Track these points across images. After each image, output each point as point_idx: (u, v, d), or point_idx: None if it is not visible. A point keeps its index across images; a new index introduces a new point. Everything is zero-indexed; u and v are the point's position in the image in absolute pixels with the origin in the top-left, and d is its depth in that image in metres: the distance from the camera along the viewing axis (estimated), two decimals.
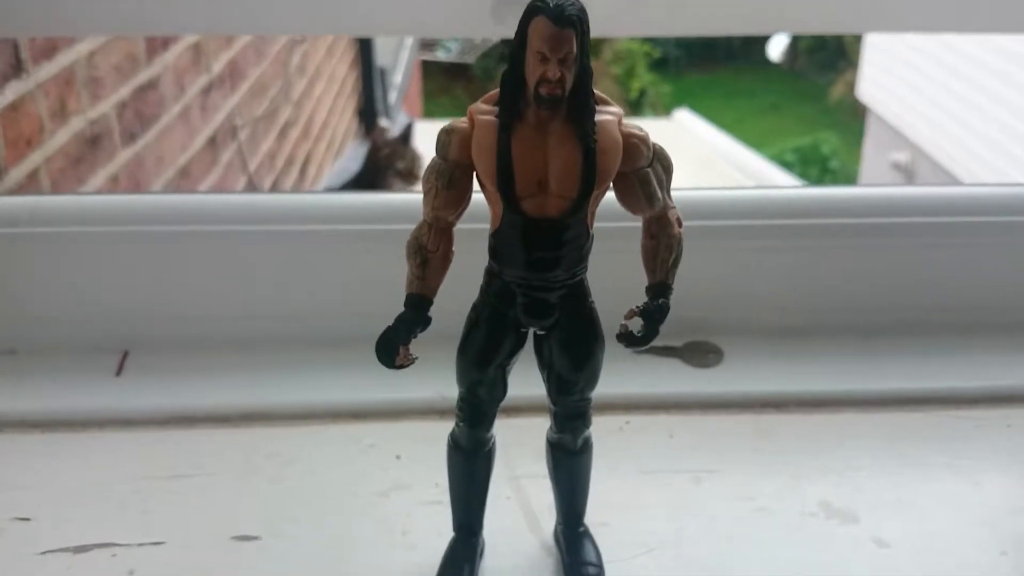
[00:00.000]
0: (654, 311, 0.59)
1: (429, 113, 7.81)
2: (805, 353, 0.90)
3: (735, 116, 8.09)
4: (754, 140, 7.13)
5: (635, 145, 0.57)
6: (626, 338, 0.60)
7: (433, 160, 0.58)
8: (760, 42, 8.85)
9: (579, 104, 0.55)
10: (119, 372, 0.85)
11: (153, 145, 1.97)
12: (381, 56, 4.85)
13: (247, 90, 2.72)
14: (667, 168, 0.59)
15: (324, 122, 3.89)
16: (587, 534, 0.68)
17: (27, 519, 0.72)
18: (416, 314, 0.59)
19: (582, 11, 0.53)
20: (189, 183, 2.22)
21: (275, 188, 3.07)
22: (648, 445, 0.80)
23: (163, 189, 2.01)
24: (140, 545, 0.69)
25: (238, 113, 2.63)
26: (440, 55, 7.40)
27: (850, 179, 7.32)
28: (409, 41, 5.63)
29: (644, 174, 0.58)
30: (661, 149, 0.58)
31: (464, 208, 0.59)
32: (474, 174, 0.57)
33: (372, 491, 0.75)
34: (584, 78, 0.54)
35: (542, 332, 0.61)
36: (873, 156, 6.50)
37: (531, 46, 0.53)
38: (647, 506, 0.73)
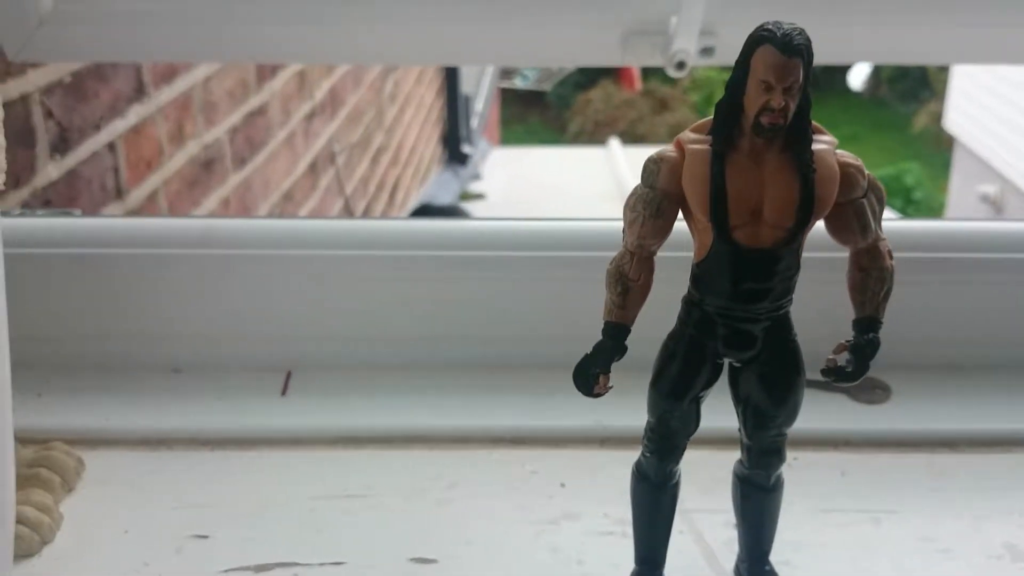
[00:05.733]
0: (864, 346, 0.58)
1: (505, 140, 7.88)
2: (976, 390, 0.87)
3: None
4: None
5: (852, 175, 0.56)
6: (834, 372, 0.59)
7: (639, 189, 0.58)
8: (841, 71, 8.74)
9: (797, 133, 0.54)
10: (284, 392, 0.87)
11: (261, 169, 2.02)
12: (465, 84, 4.91)
13: (345, 117, 2.78)
14: (880, 199, 0.58)
15: (412, 148, 3.95)
16: (773, 573, 0.66)
17: (205, 536, 0.73)
18: (615, 343, 0.58)
19: (808, 40, 0.52)
20: (292, 207, 2.27)
21: (367, 213, 3.13)
22: (821, 483, 0.78)
23: (268, 213, 2.06)
24: (321, 565, 0.69)
25: (336, 139, 2.68)
26: (518, 83, 7.48)
27: (935, 211, 7.16)
28: (491, 69, 5.70)
29: (859, 205, 0.57)
30: (875, 179, 0.58)
31: (667, 237, 0.58)
32: (680, 204, 0.57)
33: (542, 519, 0.74)
34: (805, 107, 0.54)
35: (739, 364, 0.60)
36: (961, 188, 6.35)
37: (755, 74, 0.53)
38: (828, 546, 0.71)
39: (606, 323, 0.59)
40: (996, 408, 0.86)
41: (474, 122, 5.11)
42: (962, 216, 6.11)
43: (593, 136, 8.24)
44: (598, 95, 9.00)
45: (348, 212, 2.83)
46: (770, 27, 0.52)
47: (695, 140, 0.56)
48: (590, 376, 0.59)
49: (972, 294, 0.88)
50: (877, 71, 8.84)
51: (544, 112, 9.19)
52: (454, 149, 4.74)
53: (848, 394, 0.86)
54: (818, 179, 0.55)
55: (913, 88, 8.63)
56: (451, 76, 4.59)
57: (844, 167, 0.56)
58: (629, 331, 0.59)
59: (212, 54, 1.42)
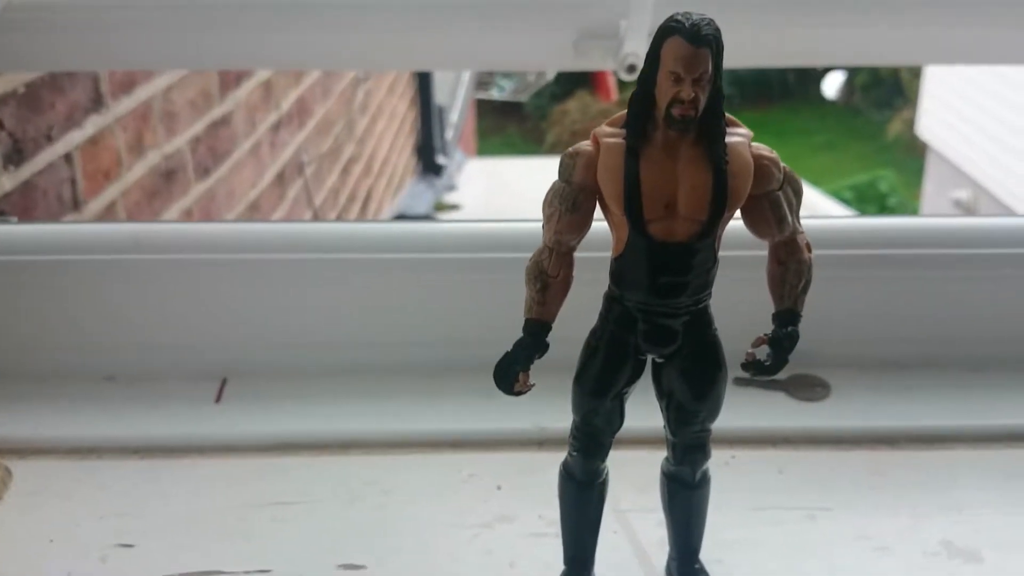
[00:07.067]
0: (783, 339, 0.58)
1: (482, 151, 7.89)
2: (915, 387, 0.87)
3: (790, 154, 8.02)
4: (810, 178, 7.07)
5: (766, 167, 0.56)
6: (753, 366, 0.58)
7: (556, 184, 0.57)
8: (815, 79, 8.80)
9: (710, 125, 0.54)
10: (218, 399, 0.85)
11: (225, 180, 2.00)
12: (439, 95, 4.90)
13: (313, 127, 2.77)
14: (797, 192, 0.57)
15: (384, 159, 3.94)
16: (703, 571, 0.65)
17: (131, 545, 0.71)
18: (535, 340, 0.58)
19: (717, 31, 0.52)
20: (259, 217, 2.25)
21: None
22: (757, 480, 0.77)
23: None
24: (246, 573, 0.68)
25: (305, 150, 2.67)
26: (495, 94, 7.48)
27: None
28: (466, 80, 5.70)
29: (775, 197, 0.56)
30: (791, 172, 0.57)
31: (585, 232, 0.58)
32: (597, 198, 0.57)
33: (476, 522, 0.73)
34: (716, 99, 0.53)
35: (661, 360, 0.60)
36: (934, 194, 6.40)
37: (664, 66, 0.52)
38: (762, 544, 0.71)
39: (526, 320, 0.58)
40: (935, 405, 0.86)
41: (449, 133, 5.10)
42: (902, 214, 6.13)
43: (570, 146, 8.24)
44: (575, 106, 9.02)
45: (317, 222, 2.81)
46: (679, 18, 0.52)
47: (610, 134, 0.56)
48: (510, 374, 0.58)
49: (909, 292, 0.88)
50: (851, 79, 8.91)
51: (521, 123, 9.21)
52: (428, 160, 4.73)
53: (787, 391, 0.86)
54: (731, 171, 0.54)
55: (887, 95, 8.69)
56: (424, 87, 4.58)
57: (758, 159, 0.55)
58: (550, 328, 0.58)
59: (169, 61, 1.41)
